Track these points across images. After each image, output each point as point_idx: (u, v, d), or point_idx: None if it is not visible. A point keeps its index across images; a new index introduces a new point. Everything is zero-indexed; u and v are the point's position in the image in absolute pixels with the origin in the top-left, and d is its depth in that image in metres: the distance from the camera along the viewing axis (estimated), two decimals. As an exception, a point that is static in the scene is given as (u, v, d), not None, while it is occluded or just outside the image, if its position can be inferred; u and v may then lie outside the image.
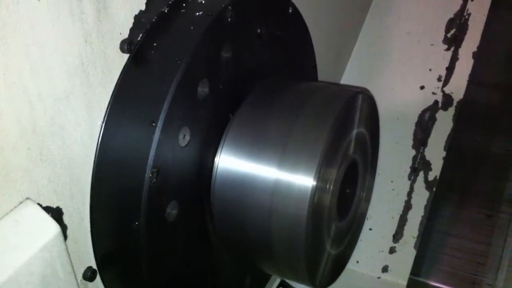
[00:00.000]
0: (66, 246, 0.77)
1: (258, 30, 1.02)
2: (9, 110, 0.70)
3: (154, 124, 0.82)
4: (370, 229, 1.46)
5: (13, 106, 0.70)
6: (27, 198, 0.75)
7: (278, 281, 1.52)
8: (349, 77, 1.71)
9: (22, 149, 0.73)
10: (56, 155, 0.78)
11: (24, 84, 0.71)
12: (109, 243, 0.88)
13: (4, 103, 0.69)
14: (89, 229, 0.86)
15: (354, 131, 1.01)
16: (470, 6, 1.75)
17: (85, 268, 0.87)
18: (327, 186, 0.94)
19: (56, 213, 0.79)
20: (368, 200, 1.17)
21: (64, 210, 0.81)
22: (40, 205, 0.76)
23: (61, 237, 0.75)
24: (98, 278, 0.90)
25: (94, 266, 0.89)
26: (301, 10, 1.13)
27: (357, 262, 1.43)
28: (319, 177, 0.90)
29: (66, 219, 0.82)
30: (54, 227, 0.74)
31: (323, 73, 1.34)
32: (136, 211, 0.82)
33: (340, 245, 1.07)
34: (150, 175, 0.82)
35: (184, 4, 0.91)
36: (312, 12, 1.16)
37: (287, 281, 1.51)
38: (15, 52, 0.69)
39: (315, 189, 0.90)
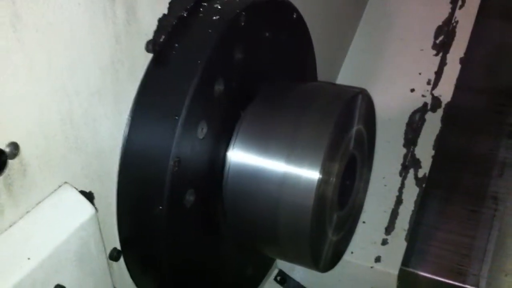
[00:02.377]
0: (100, 226, 0.85)
1: (266, 34, 1.10)
2: (51, 103, 0.78)
3: (176, 118, 0.90)
4: (364, 222, 1.54)
5: (55, 99, 0.78)
6: (65, 182, 0.83)
7: (276, 271, 1.61)
8: (344, 80, 1.80)
9: (61, 138, 0.81)
10: (89, 144, 0.86)
11: (63, 80, 0.79)
12: (132, 225, 0.96)
13: (47, 97, 0.77)
14: (115, 213, 0.94)
15: (354, 128, 1.10)
16: (458, 14, 1.85)
17: (111, 248, 0.95)
18: (330, 178, 1.03)
19: (88, 197, 0.87)
20: (365, 191, 1.26)
21: (95, 195, 0.89)
22: (76, 189, 0.84)
23: (96, 218, 0.83)
24: (122, 259, 0.98)
25: (119, 248, 0.97)
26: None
27: (352, 252, 1.51)
28: (324, 171, 0.99)
29: (96, 203, 0.90)
30: (90, 208, 0.83)
31: (320, 75, 1.42)
32: (159, 197, 0.90)
33: (340, 233, 1.15)
34: (173, 163, 0.90)
35: (201, 9, 1.00)
36: (310, 19, 1.25)
37: (286, 271, 1.60)
38: (58, 50, 0.77)
39: (320, 182, 0.98)
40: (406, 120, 1.71)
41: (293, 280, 1.58)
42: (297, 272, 1.59)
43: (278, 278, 1.57)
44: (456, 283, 1.50)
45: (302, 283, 1.59)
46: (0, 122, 0.71)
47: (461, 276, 1.51)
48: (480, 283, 1.50)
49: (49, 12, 0.74)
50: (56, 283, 0.79)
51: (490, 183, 1.64)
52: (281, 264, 1.60)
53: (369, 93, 1.15)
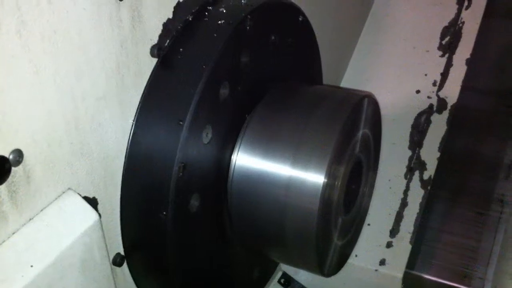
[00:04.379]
0: (103, 232, 0.84)
1: (273, 37, 1.09)
2: (57, 109, 0.77)
3: (181, 123, 0.89)
4: (369, 224, 1.54)
5: (60, 105, 0.78)
6: (69, 189, 0.82)
7: (279, 273, 1.60)
8: (349, 81, 1.79)
9: (66, 144, 0.80)
10: (94, 150, 0.86)
11: (70, 85, 0.78)
12: (137, 231, 0.95)
13: (53, 103, 0.76)
14: (119, 218, 0.94)
15: (360, 132, 1.09)
16: (464, 15, 1.84)
17: (114, 254, 0.95)
18: (336, 182, 1.02)
19: (92, 203, 0.87)
20: (370, 195, 1.25)
21: (99, 200, 0.89)
22: (79, 195, 0.84)
23: (99, 224, 0.83)
24: (125, 264, 0.97)
25: (122, 253, 0.96)
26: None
27: (356, 255, 1.50)
28: (329, 175, 0.98)
29: (100, 208, 0.89)
30: (94, 215, 0.82)
31: (325, 77, 1.41)
32: (164, 202, 0.90)
33: (345, 237, 1.15)
34: (177, 169, 0.89)
35: (206, 13, 0.99)
36: (315, 21, 1.24)
37: (290, 273, 1.59)
38: (64, 56, 0.76)
39: (326, 186, 0.98)
40: (411, 121, 1.70)
41: (297, 282, 1.58)
42: (301, 274, 1.58)
43: (282, 280, 1.57)
44: (461, 286, 1.50)
45: (306, 285, 1.59)
46: (4, 129, 0.71)
47: (466, 279, 1.51)
48: (485, 286, 1.49)
49: (55, 18, 0.73)
50: (59, 290, 0.79)
51: (496, 186, 1.64)
52: (285, 267, 1.59)
53: (375, 97, 1.14)
